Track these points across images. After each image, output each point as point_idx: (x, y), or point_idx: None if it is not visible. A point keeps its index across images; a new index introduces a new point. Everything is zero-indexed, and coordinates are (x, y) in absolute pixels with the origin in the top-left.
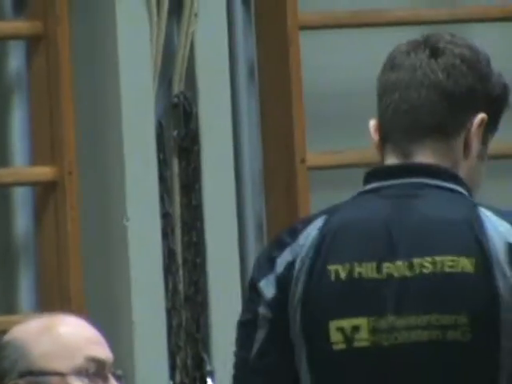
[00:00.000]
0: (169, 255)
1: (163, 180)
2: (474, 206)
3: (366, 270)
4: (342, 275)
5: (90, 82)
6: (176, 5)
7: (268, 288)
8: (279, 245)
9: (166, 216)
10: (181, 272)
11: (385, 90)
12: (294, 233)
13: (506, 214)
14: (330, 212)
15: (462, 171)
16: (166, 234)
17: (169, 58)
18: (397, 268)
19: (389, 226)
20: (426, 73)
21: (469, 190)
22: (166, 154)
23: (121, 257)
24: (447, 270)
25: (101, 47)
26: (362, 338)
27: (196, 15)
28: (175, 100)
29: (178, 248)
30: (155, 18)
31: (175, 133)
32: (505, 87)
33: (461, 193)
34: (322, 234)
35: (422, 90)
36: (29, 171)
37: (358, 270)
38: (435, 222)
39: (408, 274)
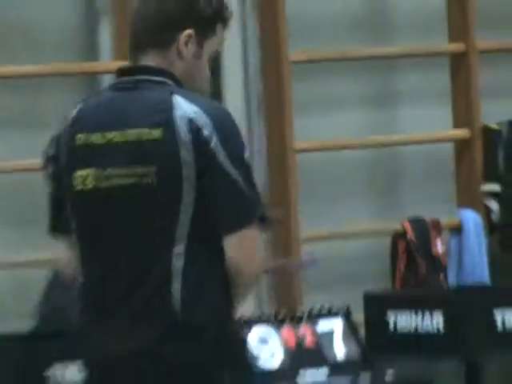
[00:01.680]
0: None
1: None
2: (171, 93)
3: (95, 137)
4: (82, 140)
5: None
6: None
7: (51, 148)
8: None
9: None
10: None
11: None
12: (69, 111)
13: (196, 100)
14: (87, 98)
15: (178, 69)
16: None
17: None
18: (114, 136)
19: (114, 108)
20: None
21: (177, 80)
22: None
23: None
24: (144, 137)
25: None
26: (89, 183)
27: None
28: None
29: None
30: None
31: None
32: (217, 5)
33: (167, 84)
34: (78, 113)
35: (148, 10)
36: None
37: (91, 137)
38: (141, 104)
39: (120, 140)
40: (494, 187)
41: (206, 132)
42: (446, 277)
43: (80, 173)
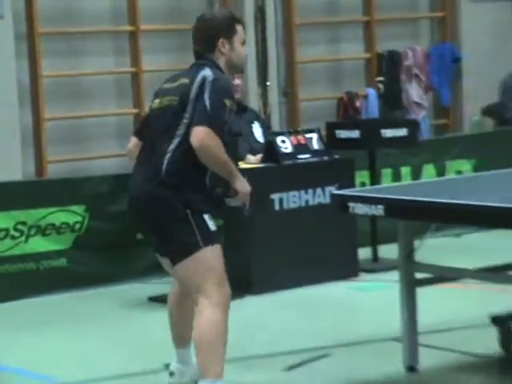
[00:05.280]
0: None
1: None
2: (204, 68)
3: (166, 85)
4: (162, 86)
5: None
6: None
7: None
8: None
9: None
10: None
11: None
12: None
13: (214, 71)
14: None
15: (222, 59)
16: None
17: None
18: (173, 84)
19: (182, 72)
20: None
21: (215, 64)
22: None
23: None
24: (183, 82)
25: None
26: (156, 103)
27: None
28: None
29: None
30: None
31: None
32: (229, 19)
33: (208, 65)
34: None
35: (195, 34)
36: None
37: (164, 85)
38: (191, 70)
39: (173, 85)
40: (381, 78)
41: (206, 82)
42: (361, 116)
43: (155, 101)
